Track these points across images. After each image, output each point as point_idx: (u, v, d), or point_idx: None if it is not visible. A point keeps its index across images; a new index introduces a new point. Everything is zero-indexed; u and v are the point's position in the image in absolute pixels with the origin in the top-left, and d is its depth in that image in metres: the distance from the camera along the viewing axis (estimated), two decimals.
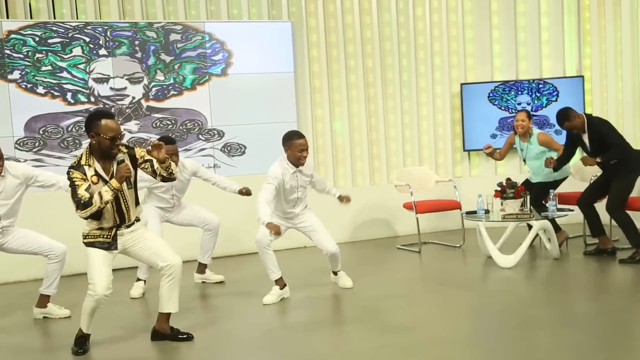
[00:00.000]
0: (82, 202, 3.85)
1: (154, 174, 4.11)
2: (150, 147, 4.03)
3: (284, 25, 7.49)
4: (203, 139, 7.22)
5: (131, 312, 5.25)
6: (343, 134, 7.95)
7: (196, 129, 7.19)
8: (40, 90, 6.63)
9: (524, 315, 4.52)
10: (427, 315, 4.70)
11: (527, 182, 6.63)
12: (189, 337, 4.32)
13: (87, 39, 6.74)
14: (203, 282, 5.97)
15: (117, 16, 6.99)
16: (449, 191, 7.43)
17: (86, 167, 3.96)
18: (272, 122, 7.40)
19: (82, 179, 3.92)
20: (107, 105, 6.84)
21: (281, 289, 5.25)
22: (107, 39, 6.82)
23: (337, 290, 5.48)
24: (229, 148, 7.34)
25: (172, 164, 4.15)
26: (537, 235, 6.19)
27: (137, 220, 4.22)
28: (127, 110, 6.95)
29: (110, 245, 4.06)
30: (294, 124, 7.44)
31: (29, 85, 6.59)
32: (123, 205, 4.06)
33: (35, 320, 5.03)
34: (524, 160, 6.76)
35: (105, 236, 4.05)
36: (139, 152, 4.09)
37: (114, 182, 3.88)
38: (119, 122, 6.75)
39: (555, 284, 5.57)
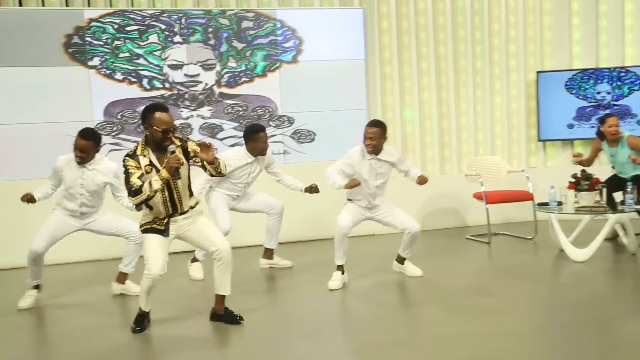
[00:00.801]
0: (133, 189, 3.97)
1: (203, 168, 4.19)
2: (199, 147, 4.11)
3: (356, 12, 7.46)
4: (273, 125, 7.29)
5: (193, 292, 5.39)
6: (413, 122, 7.87)
7: (267, 116, 7.28)
8: (119, 76, 6.86)
9: (595, 311, 4.38)
10: (494, 306, 4.60)
11: (615, 177, 6.37)
12: (239, 320, 4.40)
13: (163, 27, 6.93)
14: (270, 266, 6.04)
15: (191, 4, 7.15)
16: (521, 182, 7.22)
17: (141, 157, 4.08)
18: (342, 110, 7.41)
19: (135, 167, 4.04)
20: (180, 91, 7.02)
21: (342, 274, 5.29)
22: (182, 26, 6.98)
23: (405, 279, 5.45)
24: (298, 135, 7.39)
25: (221, 162, 4.22)
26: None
27: (192, 208, 4.31)
28: (200, 97, 7.11)
29: (163, 231, 4.19)
30: (364, 111, 7.42)
31: (107, 72, 6.83)
32: (175, 195, 4.16)
33: (114, 295, 5.26)
34: (613, 167, 6.48)
35: (159, 224, 4.19)
36: (191, 145, 4.17)
37: (163, 172, 3.99)
38: (193, 108, 7.01)
39: (630, 280, 5.35)
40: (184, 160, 4.10)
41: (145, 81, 6.93)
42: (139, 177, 4.01)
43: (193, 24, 7.01)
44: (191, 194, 4.34)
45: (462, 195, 7.67)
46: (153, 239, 4.18)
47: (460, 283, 5.25)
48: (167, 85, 7.00)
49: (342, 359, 3.79)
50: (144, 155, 4.10)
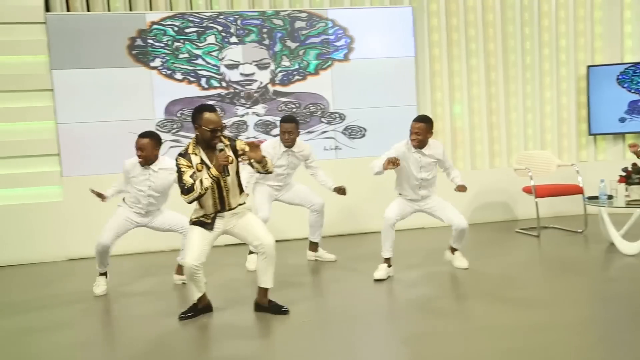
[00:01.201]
0: (185, 187, 4.19)
1: (251, 166, 4.39)
2: (248, 146, 4.29)
3: (405, 10, 7.63)
4: (325, 121, 7.53)
5: (244, 283, 5.60)
6: (462, 117, 7.99)
7: (319, 112, 7.51)
8: (178, 76, 7.20)
9: None
10: (543, 298, 4.69)
11: None
12: (285, 311, 4.56)
13: (220, 28, 7.23)
14: (316, 259, 6.27)
15: (247, 6, 7.44)
16: (571, 176, 7.27)
17: (192, 156, 4.30)
18: (392, 106, 7.60)
19: (187, 166, 4.25)
20: (236, 90, 7.31)
21: (388, 267, 5.45)
22: (238, 27, 7.27)
23: (453, 270, 5.59)
24: (349, 131, 7.61)
25: (269, 161, 4.40)
26: None
27: (241, 205, 4.49)
28: (255, 95, 7.39)
29: (206, 224, 4.40)
30: (414, 107, 7.59)
31: (168, 72, 7.17)
32: (224, 193, 4.36)
33: (174, 285, 5.58)
34: None
35: (206, 217, 4.41)
36: (240, 144, 4.36)
37: (213, 170, 4.20)
38: (248, 106, 7.29)
39: None
40: (233, 157, 4.29)
41: (203, 80, 7.25)
42: (191, 176, 4.21)
43: (248, 25, 7.29)
44: (241, 191, 4.52)
45: (511, 189, 7.78)
46: (195, 230, 4.39)
47: (509, 275, 5.36)
48: (223, 84, 7.30)
49: (389, 349, 3.88)
50: (195, 154, 4.31)
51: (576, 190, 7.02)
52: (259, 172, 4.49)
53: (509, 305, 4.51)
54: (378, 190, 6.68)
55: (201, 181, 4.19)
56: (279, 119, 7.32)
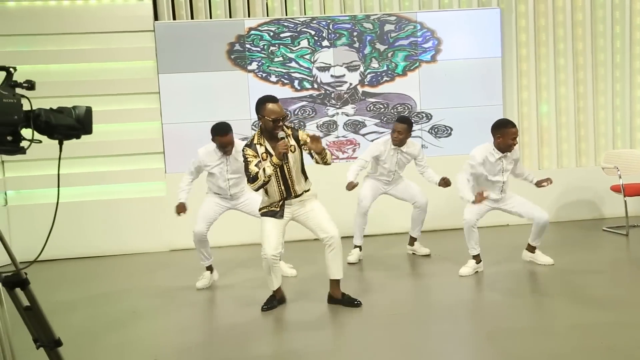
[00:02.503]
0: (251, 176, 4.47)
1: (311, 156, 4.57)
2: (309, 138, 4.48)
3: (493, 11, 7.76)
4: (412, 121, 7.74)
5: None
6: (549, 116, 8.05)
7: (406, 112, 7.76)
8: (273, 78, 7.62)
9: None
10: (629, 298, 4.72)
11: None
12: (358, 304, 4.73)
13: (313, 32, 7.59)
14: (413, 253, 6.56)
15: (338, 10, 7.76)
16: None
17: (257, 146, 4.56)
18: (478, 106, 7.75)
19: (253, 155, 4.51)
20: (327, 91, 7.66)
21: (477, 263, 5.65)
22: (330, 31, 7.61)
23: (536, 268, 5.71)
24: (436, 130, 7.82)
25: (328, 153, 4.56)
26: None
27: (306, 191, 4.68)
28: (345, 95, 7.71)
29: (276, 213, 4.64)
30: (500, 107, 7.72)
31: (263, 75, 7.60)
32: (288, 180, 4.59)
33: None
34: None
35: (274, 206, 4.65)
36: (302, 135, 4.58)
37: (274, 159, 4.44)
38: (338, 107, 7.62)
39: None
40: (295, 146, 4.52)
41: (296, 82, 7.63)
42: (256, 165, 4.47)
43: (340, 29, 7.62)
44: (306, 178, 4.69)
45: (598, 187, 7.79)
46: (268, 222, 4.64)
47: (595, 273, 5.44)
48: (315, 85, 7.66)
49: (475, 343, 3.99)
50: (260, 144, 4.56)
51: None
52: (317, 163, 4.58)
53: (594, 303, 4.57)
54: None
55: (264, 169, 4.40)
56: (367, 118, 7.70)
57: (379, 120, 7.73)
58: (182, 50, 7.43)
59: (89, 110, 2.47)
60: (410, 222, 6.46)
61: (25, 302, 2.48)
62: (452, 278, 5.55)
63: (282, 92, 7.60)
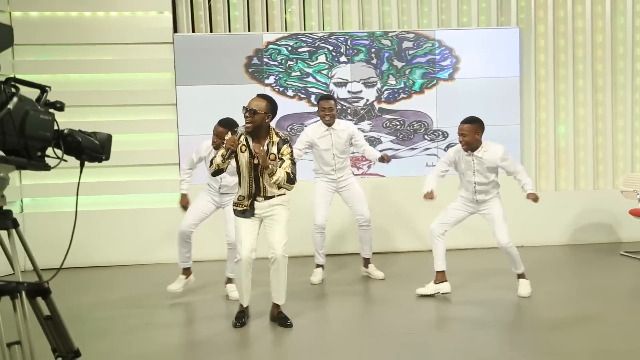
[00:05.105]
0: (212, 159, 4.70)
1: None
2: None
3: (512, 31, 7.73)
4: (428, 139, 7.74)
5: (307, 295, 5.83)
6: (567, 137, 7.99)
7: (422, 130, 7.73)
8: (290, 93, 7.63)
9: None
10: None
11: None
12: (289, 325, 4.71)
13: (331, 48, 7.61)
14: (367, 275, 6.37)
15: (357, 26, 7.78)
16: None
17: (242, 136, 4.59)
18: (496, 125, 7.66)
19: (223, 145, 4.55)
20: (344, 107, 7.65)
21: (438, 282, 5.44)
22: (348, 47, 7.63)
23: (514, 297, 5.44)
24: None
25: (282, 177, 4.51)
26: None
27: (280, 195, 4.65)
28: (361, 111, 7.71)
29: (246, 211, 4.63)
30: (517, 127, 7.68)
31: (281, 89, 7.62)
32: (260, 180, 4.57)
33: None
34: None
35: (245, 202, 4.64)
36: (285, 149, 4.59)
37: (222, 150, 4.49)
38: (354, 122, 7.61)
39: None
40: (275, 154, 4.51)
41: (313, 97, 7.64)
42: (222, 154, 4.48)
43: (358, 45, 7.63)
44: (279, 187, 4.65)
45: (616, 211, 7.69)
46: (239, 223, 4.65)
47: (611, 299, 5.36)
48: None
49: None
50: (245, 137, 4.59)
51: None
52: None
53: (614, 330, 4.53)
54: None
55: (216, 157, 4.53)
56: (383, 135, 7.67)
57: (395, 137, 7.71)
58: (200, 63, 7.47)
59: (109, 138, 2.55)
60: (359, 242, 6.31)
61: (46, 311, 2.49)
62: (407, 299, 5.43)
63: (299, 106, 7.62)
